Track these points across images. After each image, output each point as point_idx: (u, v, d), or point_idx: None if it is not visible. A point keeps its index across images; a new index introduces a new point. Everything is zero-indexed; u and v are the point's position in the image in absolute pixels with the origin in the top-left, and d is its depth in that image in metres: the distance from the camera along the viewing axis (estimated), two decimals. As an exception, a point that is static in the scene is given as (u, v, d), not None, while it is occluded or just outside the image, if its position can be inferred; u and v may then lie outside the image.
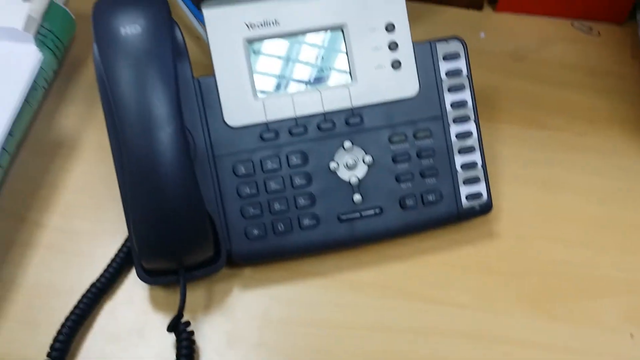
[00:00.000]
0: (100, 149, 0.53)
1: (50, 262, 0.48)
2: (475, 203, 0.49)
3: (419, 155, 0.48)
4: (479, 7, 0.64)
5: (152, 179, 0.41)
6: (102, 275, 0.47)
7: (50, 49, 0.54)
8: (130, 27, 0.41)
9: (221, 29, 0.46)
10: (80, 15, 0.58)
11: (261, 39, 0.46)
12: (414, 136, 0.48)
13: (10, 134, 0.49)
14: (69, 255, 0.49)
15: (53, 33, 0.55)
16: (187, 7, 0.60)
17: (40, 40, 0.53)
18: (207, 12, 0.46)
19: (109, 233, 0.50)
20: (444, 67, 0.49)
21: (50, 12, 0.54)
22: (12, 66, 0.49)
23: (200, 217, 0.43)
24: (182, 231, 0.43)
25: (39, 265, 0.48)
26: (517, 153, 0.55)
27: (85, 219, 0.51)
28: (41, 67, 0.52)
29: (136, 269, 0.45)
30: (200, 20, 0.59)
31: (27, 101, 0.50)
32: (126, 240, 0.48)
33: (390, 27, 0.47)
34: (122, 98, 0.41)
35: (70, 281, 0.48)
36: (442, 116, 0.48)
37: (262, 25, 0.46)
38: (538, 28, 0.64)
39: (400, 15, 0.48)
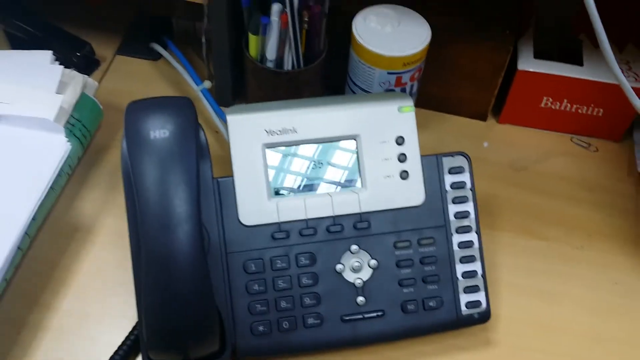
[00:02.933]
0: (114, 235, 0.56)
1: (58, 345, 0.50)
2: (475, 311, 0.51)
3: (422, 262, 0.50)
4: (483, 118, 0.68)
5: (167, 272, 0.43)
6: (108, 363, 0.48)
7: (77, 137, 0.57)
8: (160, 132, 0.44)
9: (242, 134, 0.49)
10: (106, 105, 0.62)
11: (279, 145, 0.49)
12: (418, 243, 0.50)
13: (34, 218, 0.51)
14: (76, 339, 0.50)
15: (81, 122, 0.58)
16: (208, 102, 0.63)
17: (69, 129, 0.56)
18: (231, 118, 0.49)
19: (116, 318, 0.51)
20: (449, 179, 0.51)
21: (81, 103, 0.58)
22: (41, 155, 0.52)
23: (209, 312, 0.45)
24: (191, 324, 0.44)
25: (47, 348, 0.50)
26: (515, 262, 0.57)
27: (95, 302, 0.52)
28: (68, 155, 0.54)
29: (143, 358, 0.46)
30: (221, 116, 0.62)
31: (51, 187, 0.53)
32: (133, 329, 0.50)
33: (400, 140, 0.51)
34: (145, 195, 0.43)
35: (76, 366, 0.49)
36: (445, 225, 0.51)
37: (280, 132, 0.49)
38: (539, 141, 0.67)
39: (410, 130, 0.51)
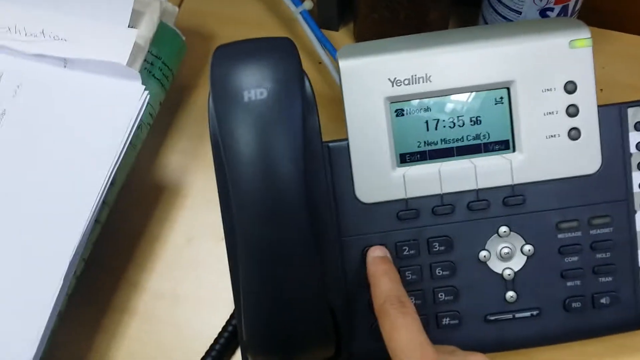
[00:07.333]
0: (206, 196, 0.48)
1: (146, 332, 0.43)
2: (658, 308, 0.39)
3: (593, 247, 0.39)
4: (660, 34, 0.52)
5: (270, 272, 0.34)
6: (203, 361, 0.41)
7: (157, 78, 0.48)
8: (256, 91, 0.33)
9: (359, 86, 0.37)
10: (188, 33, 0.51)
11: (407, 98, 0.38)
12: (589, 223, 0.39)
13: (112, 183, 0.43)
14: (166, 325, 0.44)
15: (161, 60, 0.48)
16: (310, 26, 0.52)
17: (147, 70, 0.47)
18: (344, 65, 0.37)
19: (210, 300, 0.44)
20: (635, 137, 0.38)
21: (159, 35, 0.47)
22: (115, 107, 0.43)
23: (322, 314, 0.36)
24: (300, 328, 0.36)
25: (133, 336, 0.43)
26: None
27: (186, 280, 0.45)
28: (148, 103, 0.45)
29: (242, 357, 0.39)
30: (325, 44, 0.51)
31: (130, 143, 0.44)
32: (228, 322, 0.42)
33: (570, 87, 0.38)
34: (242, 178, 0.33)
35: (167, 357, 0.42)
36: (627, 199, 0.38)
37: (409, 81, 0.37)
38: None
39: (585, 73, 0.38)
